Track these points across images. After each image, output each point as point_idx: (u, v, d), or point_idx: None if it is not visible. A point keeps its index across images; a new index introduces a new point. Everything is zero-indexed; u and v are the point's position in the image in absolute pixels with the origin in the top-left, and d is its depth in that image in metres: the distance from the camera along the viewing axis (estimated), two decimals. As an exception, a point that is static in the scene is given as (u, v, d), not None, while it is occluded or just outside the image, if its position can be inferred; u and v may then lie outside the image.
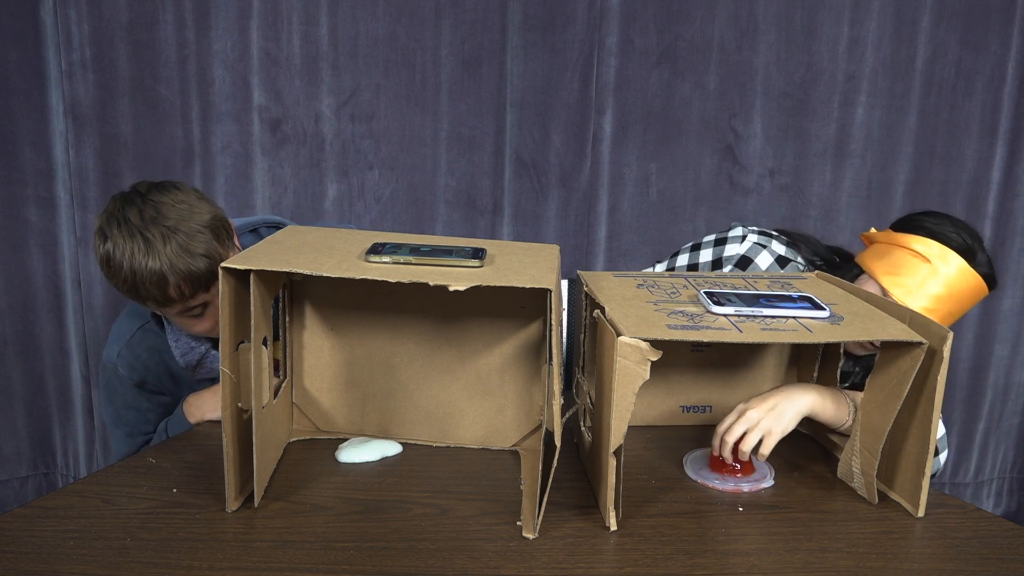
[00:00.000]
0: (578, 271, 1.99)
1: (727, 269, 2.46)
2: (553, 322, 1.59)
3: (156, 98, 3.38)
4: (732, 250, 2.48)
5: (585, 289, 1.90)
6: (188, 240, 1.95)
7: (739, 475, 1.86)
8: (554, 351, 1.60)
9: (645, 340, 1.54)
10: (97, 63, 3.35)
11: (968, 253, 2.13)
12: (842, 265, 2.38)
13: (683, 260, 2.57)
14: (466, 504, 1.72)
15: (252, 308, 1.62)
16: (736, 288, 1.88)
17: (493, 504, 1.72)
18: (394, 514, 1.67)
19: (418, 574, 1.47)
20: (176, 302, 2.00)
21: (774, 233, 2.51)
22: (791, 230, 2.55)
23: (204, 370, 2.25)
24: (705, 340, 1.57)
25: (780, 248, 2.44)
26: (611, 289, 1.86)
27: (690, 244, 2.57)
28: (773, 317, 1.70)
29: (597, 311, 1.75)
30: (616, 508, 1.64)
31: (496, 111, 3.43)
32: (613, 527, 1.64)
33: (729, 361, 2.18)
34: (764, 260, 2.43)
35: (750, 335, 1.59)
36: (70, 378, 3.67)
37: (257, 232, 2.40)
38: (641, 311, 1.70)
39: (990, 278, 2.16)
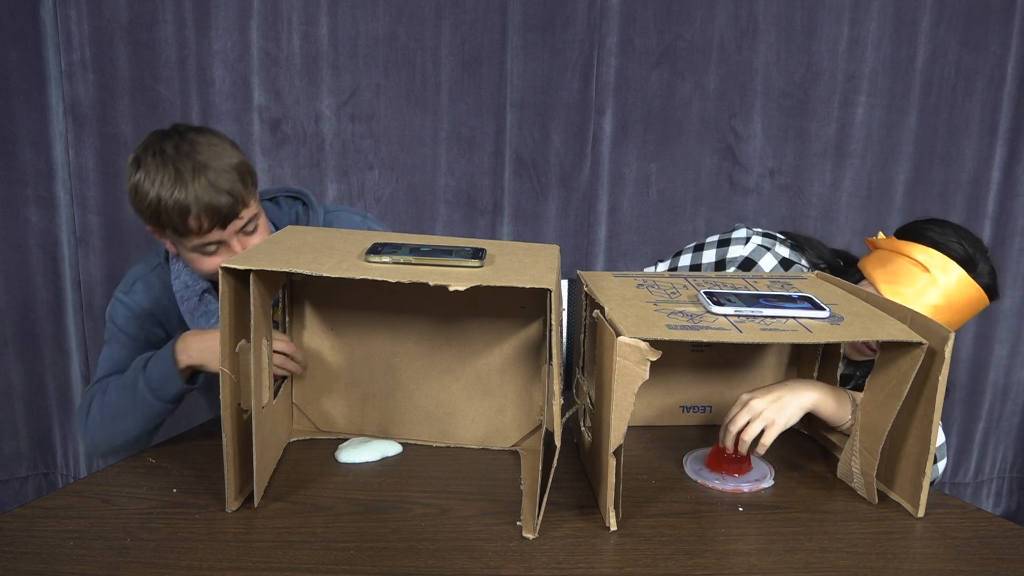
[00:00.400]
0: (578, 271, 1.99)
1: (731, 271, 2.45)
2: (553, 322, 1.59)
3: (156, 98, 3.38)
4: (736, 252, 2.48)
5: (585, 289, 1.90)
6: (216, 176, 2.02)
7: (739, 475, 1.86)
8: (554, 351, 1.60)
9: (645, 340, 1.54)
10: (97, 63, 3.35)
11: (969, 263, 2.11)
12: (846, 269, 2.35)
13: (686, 260, 2.57)
14: (466, 504, 1.72)
15: (252, 308, 1.62)
16: (736, 288, 1.88)
17: (493, 504, 1.72)
18: (394, 514, 1.67)
19: (418, 574, 1.47)
20: (193, 234, 2.05)
21: (779, 236, 2.50)
22: (796, 232, 2.54)
23: (200, 314, 2.24)
24: (705, 340, 1.57)
25: (784, 251, 2.44)
26: (611, 289, 1.86)
27: (693, 244, 2.57)
28: (773, 317, 1.70)
29: (597, 311, 1.75)
30: (616, 508, 1.64)
31: (496, 111, 3.43)
32: (613, 527, 1.64)
33: (729, 361, 2.18)
34: (768, 262, 2.42)
35: (750, 335, 1.59)
36: (70, 378, 3.67)
37: (276, 201, 2.44)
38: (641, 311, 1.70)
39: (991, 289, 2.14)
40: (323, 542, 1.56)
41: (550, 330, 1.64)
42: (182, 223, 2.02)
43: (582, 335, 1.97)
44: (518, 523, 1.64)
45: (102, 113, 3.39)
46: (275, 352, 1.88)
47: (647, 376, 1.55)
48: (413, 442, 2.03)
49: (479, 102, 3.42)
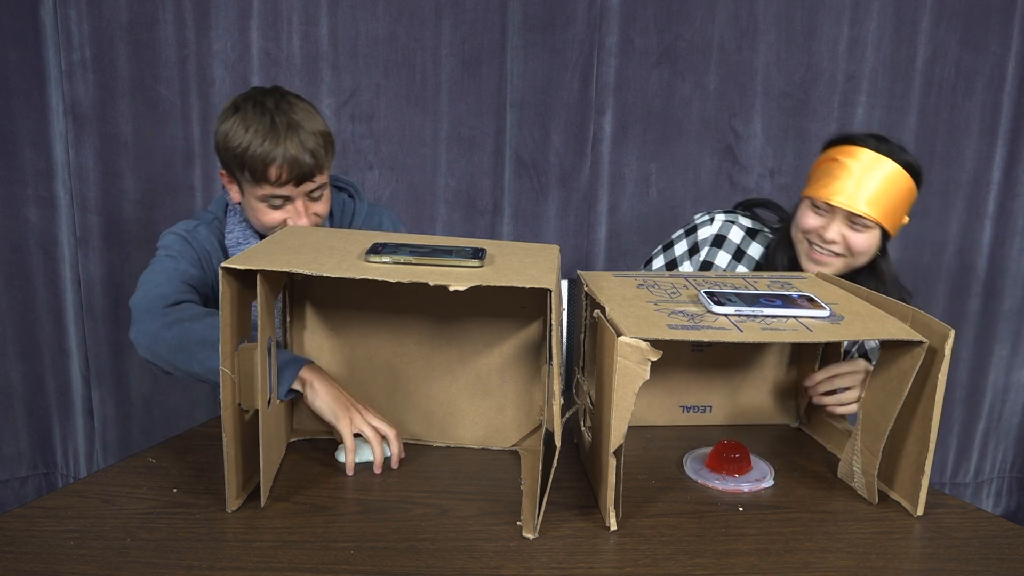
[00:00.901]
0: (578, 271, 1.99)
1: (705, 251, 2.59)
2: (553, 322, 1.59)
3: (156, 98, 3.38)
4: (705, 232, 2.61)
5: (585, 289, 1.90)
6: (304, 137, 2.20)
7: (739, 475, 1.86)
8: (554, 351, 1.60)
9: (645, 340, 1.54)
10: (97, 63, 3.35)
11: (876, 142, 2.31)
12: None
13: (659, 262, 2.66)
14: (466, 504, 1.72)
15: (259, 308, 1.63)
16: (736, 288, 1.88)
17: (493, 504, 1.72)
18: (394, 514, 1.67)
19: (418, 574, 1.47)
20: (269, 183, 2.20)
21: (738, 212, 2.63)
22: (748, 200, 2.67)
23: None
24: (706, 340, 1.57)
25: (747, 222, 2.60)
26: (611, 289, 1.86)
27: (661, 245, 2.66)
28: (773, 317, 1.70)
29: (597, 311, 1.75)
30: (616, 508, 1.64)
31: (496, 111, 3.43)
32: (613, 527, 1.64)
33: (729, 361, 2.19)
34: (736, 234, 2.58)
35: (750, 335, 1.59)
36: (70, 378, 3.67)
37: None
38: (641, 311, 1.70)
39: (911, 167, 2.31)
40: (323, 542, 1.56)
41: (550, 330, 1.64)
42: (263, 170, 2.18)
43: (582, 335, 1.97)
44: (518, 523, 1.64)
45: (102, 113, 3.39)
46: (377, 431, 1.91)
47: (648, 376, 1.55)
48: (413, 442, 2.03)
49: (479, 102, 3.43)
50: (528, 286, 1.56)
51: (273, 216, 2.25)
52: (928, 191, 3.58)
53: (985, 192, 3.62)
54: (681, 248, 2.62)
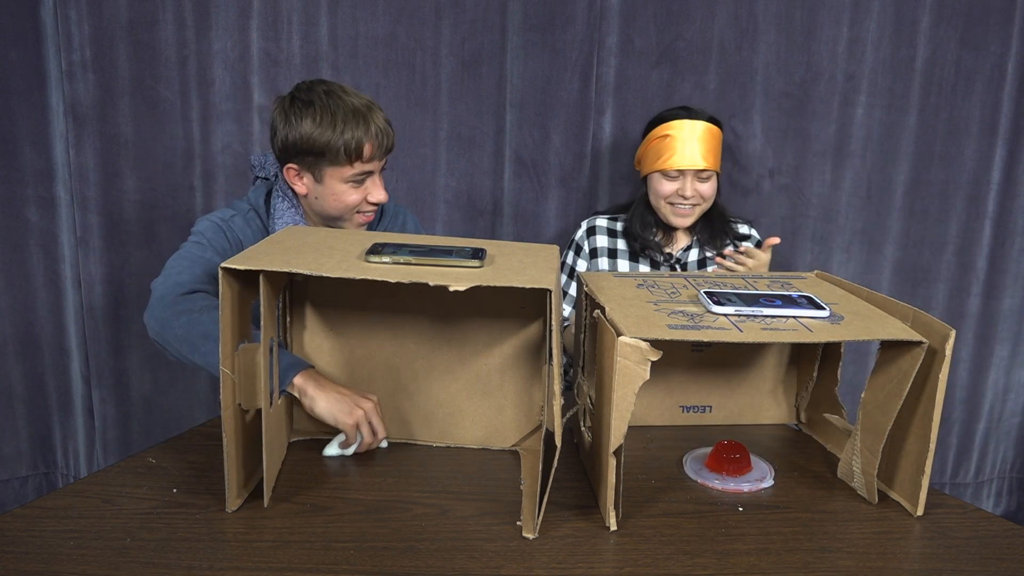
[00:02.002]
0: (578, 271, 2.00)
1: (572, 253, 3.12)
2: (553, 322, 1.59)
3: (156, 98, 3.38)
4: (578, 234, 3.15)
5: (585, 289, 1.90)
6: (378, 112, 2.40)
7: (739, 475, 1.86)
8: (554, 351, 1.60)
9: (645, 340, 1.54)
10: (97, 63, 3.35)
11: (685, 112, 2.92)
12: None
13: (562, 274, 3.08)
14: (466, 504, 1.73)
15: (263, 308, 1.64)
16: (736, 288, 1.89)
17: (493, 504, 1.73)
18: (394, 514, 1.67)
19: (418, 574, 1.47)
20: (361, 161, 2.37)
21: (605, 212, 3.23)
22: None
23: None
24: (705, 340, 1.58)
25: (602, 221, 3.15)
26: (611, 289, 1.87)
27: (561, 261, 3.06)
28: (773, 317, 1.71)
29: (597, 311, 1.75)
30: (616, 508, 1.65)
31: (496, 111, 3.43)
32: (613, 527, 1.64)
33: (729, 361, 2.20)
34: (578, 232, 3.15)
35: (750, 335, 1.60)
36: (70, 378, 3.67)
37: None
38: (641, 311, 1.71)
39: (711, 119, 2.94)
40: (323, 542, 1.56)
41: (550, 330, 1.64)
42: (358, 149, 2.34)
43: (582, 335, 1.97)
44: (518, 523, 1.65)
45: (102, 113, 3.39)
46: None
47: (648, 376, 1.55)
48: (413, 442, 2.04)
49: (479, 102, 3.43)
50: (528, 286, 1.56)
51: (355, 196, 2.42)
52: (928, 191, 3.58)
53: (985, 192, 3.61)
54: (569, 256, 3.13)
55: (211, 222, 2.40)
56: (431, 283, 1.57)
